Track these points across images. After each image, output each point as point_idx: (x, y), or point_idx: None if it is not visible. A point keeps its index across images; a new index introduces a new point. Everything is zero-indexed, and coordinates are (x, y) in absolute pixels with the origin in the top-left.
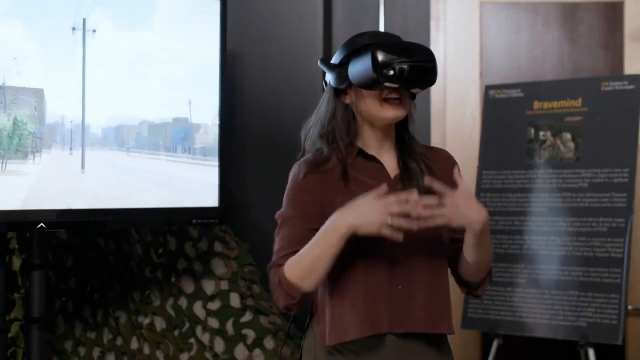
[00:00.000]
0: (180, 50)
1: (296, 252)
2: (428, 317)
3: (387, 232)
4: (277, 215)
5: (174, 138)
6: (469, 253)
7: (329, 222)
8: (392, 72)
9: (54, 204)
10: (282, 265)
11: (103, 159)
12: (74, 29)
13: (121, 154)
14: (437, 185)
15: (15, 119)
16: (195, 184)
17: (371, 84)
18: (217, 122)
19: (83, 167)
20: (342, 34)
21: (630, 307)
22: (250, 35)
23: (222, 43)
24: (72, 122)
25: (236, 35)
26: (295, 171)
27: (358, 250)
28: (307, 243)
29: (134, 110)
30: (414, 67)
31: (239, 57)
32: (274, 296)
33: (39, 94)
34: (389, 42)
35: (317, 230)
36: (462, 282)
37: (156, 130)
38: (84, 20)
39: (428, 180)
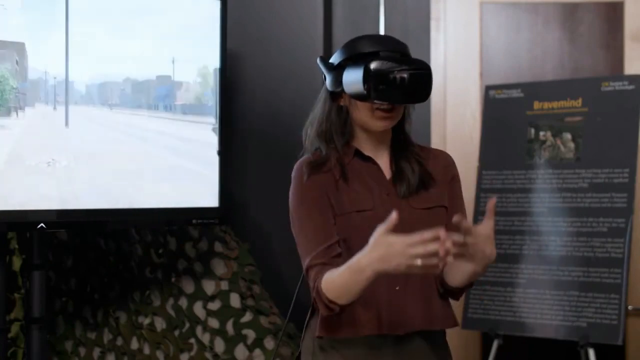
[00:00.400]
0: (165, 5)
1: (327, 247)
2: (425, 315)
3: (417, 271)
4: (292, 219)
5: (156, 95)
6: (459, 276)
7: (355, 261)
8: (382, 87)
9: (39, 156)
10: (317, 265)
11: (86, 114)
12: None
13: (104, 110)
14: (465, 224)
15: None
16: (173, 139)
17: (361, 97)
18: (199, 79)
19: (67, 122)
20: (342, 34)
21: (630, 307)
22: (250, 35)
23: (222, 43)
24: (55, 78)
25: (236, 35)
26: (297, 173)
27: (357, 252)
28: (330, 234)
29: (117, 67)
30: (407, 79)
31: (239, 57)
32: (315, 302)
33: (20, 47)
34: (388, 51)
35: (334, 219)
36: (440, 283)
37: (139, 88)
38: None
39: (457, 218)
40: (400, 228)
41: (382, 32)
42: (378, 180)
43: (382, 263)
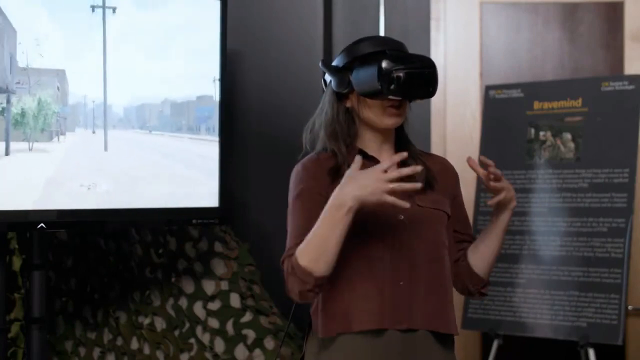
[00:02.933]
0: (201, 24)
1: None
2: (427, 314)
3: (389, 199)
4: (289, 208)
5: (197, 117)
6: (495, 239)
7: (331, 200)
8: (396, 85)
9: (79, 180)
10: (293, 254)
11: (125, 138)
12: (93, 7)
13: (143, 133)
14: (488, 163)
15: (40, 99)
16: (217, 162)
17: (375, 94)
18: None
19: (106, 146)
20: (342, 34)
21: (630, 307)
22: (250, 35)
23: (222, 43)
24: (94, 101)
25: (236, 35)
26: (299, 167)
27: (362, 244)
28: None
29: (156, 88)
30: (418, 75)
31: (239, 57)
32: (288, 286)
33: (60, 74)
34: (393, 50)
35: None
36: (469, 282)
37: (179, 109)
38: None
39: (483, 158)
40: (404, 225)
41: (382, 32)
42: None
43: (358, 189)
